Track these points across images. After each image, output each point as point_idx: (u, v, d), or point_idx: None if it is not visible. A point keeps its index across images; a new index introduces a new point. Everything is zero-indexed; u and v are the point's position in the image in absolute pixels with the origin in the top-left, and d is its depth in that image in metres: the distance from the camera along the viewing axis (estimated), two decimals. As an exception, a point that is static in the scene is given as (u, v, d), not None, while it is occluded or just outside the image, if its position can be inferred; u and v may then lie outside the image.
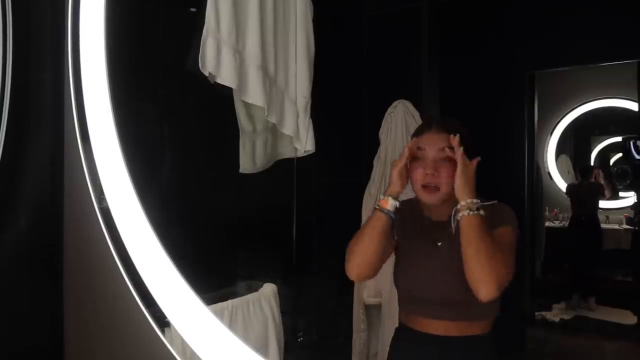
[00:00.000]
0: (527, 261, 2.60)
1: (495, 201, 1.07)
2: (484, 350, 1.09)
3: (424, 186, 1.07)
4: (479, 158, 1.06)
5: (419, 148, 1.09)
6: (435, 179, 1.05)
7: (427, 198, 1.07)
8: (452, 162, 1.05)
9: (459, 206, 1.01)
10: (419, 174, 1.07)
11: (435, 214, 1.12)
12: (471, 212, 0.99)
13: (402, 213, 1.15)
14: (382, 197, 1.09)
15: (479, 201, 1.01)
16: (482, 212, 1.00)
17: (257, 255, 1.71)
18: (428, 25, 1.96)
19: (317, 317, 1.91)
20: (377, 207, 1.08)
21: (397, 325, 1.20)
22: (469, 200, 1.00)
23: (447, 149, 1.06)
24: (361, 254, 1.09)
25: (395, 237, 1.15)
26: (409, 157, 1.10)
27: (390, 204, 1.07)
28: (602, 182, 3.29)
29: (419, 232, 1.13)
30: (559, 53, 2.32)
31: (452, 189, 1.04)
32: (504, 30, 2.28)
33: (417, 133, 1.13)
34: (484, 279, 0.96)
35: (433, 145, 1.07)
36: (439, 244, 1.09)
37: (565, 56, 2.35)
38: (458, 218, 1.01)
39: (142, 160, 1.33)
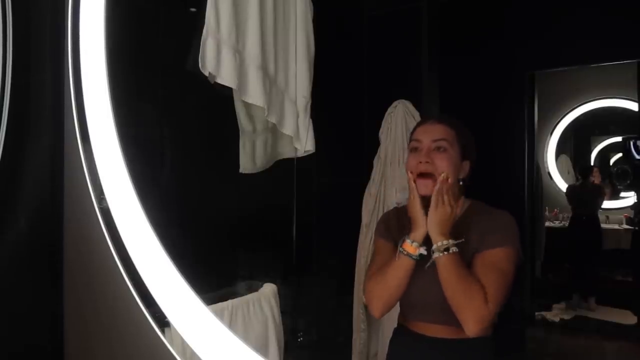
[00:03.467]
0: (527, 261, 2.60)
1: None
2: (483, 351, 1.09)
3: (420, 175, 1.06)
4: (462, 198, 1.05)
5: (415, 140, 1.10)
6: (430, 166, 1.05)
7: (422, 187, 1.05)
8: (447, 152, 1.06)
9: (433, 246, 1.01)
10: (413, 164, 1.07)
11: None
12: (443, 254, 0.99)
13: (397, 219, 1.16)
14: (407, 240, 1.04)
15: (450, 241, 1.00)
16: (454, 250, 1.00)
17: (257, 255, 1.71)
18: (428, 25, 1.96)
19: (317, 317, 1.91)
20: (404, 252, 1.04)
21: (396, 325, 1.20)
22: (439, 243, 1.00)
23: (440, 141, 1.06)
24: (387, 298, 1.08)
25: (393, 240, 1.14)
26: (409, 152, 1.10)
27: (418, 251, 1.03)
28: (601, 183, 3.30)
29: None
30: (559, 53, 2.31)
31: (451, 175, 1.04)
32: (504, 31, 2.28)
33: (415, 127, 1.14)
34: (462, 319, 0.98)
35: (428, 135, 1.08)
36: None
37: (565, 56, 2.35)
38: (433, 258, 1.01)
39: (142, 160, 1.33)
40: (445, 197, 1.02)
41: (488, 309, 0.97)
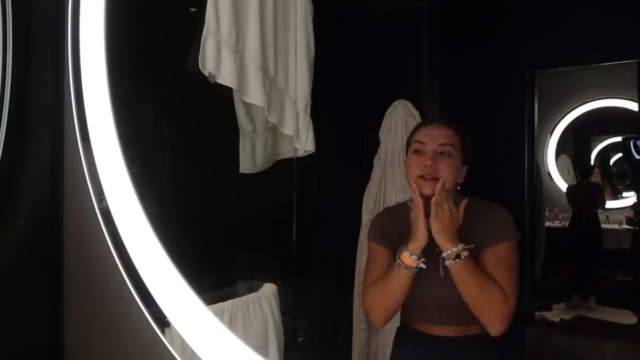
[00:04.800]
0: (527, 261, 2.60)
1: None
2: (485, 350, 1.10)
3: (421, 176, 1.05)
4: (465, 200, 1.05)
5: (418, 142, 1.09)
6: (433, 170, 1.04)
7: (426, 187, 1.04)
8: (452, 158, 1.06)
9: (443, 254, 1.01)
10: (417, 166, 1.06)
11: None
12: (455, 261, 0.99)
13: (391, 221, 1.16)
14: (406, 252, 1.02)
15: (459, 247, 0.99)
16: (465, 254, 0.99)
17: (257, 255, 1.71)
18: (428, 25, 1.96)
19: (317, 317, 1.91)
20: (403, 265, 1.02)
21: (398, 324, 1.20)
22: (449, 252, 0.99)
23: (446, 146, 1.05)
24: (388, 308, 1.07)
25: (391, 246, 1.14)
26: (411, 152, 1.09)
27: (417, 264, 1.02)
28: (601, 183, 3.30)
29: None
30: (559, 53, 2.31)
31: (451, 182, 1.05)
32: (504, 30, 2.28)
33: (417, 128, 1.13)
34: (488, 321, 1.00)
35: (433, 138, 1.07)
36: (437, 249, 1.08)
37: (565, 56, 2.35)
38: (444, 265, 1.01)
39: (142, 161, 1.33)
40: (445, 205, 1.00)
41: (510, 306, 0.99)
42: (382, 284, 1.06)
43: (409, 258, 1.02)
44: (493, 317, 0.99)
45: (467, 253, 1.00)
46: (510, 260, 1.04)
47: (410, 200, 1.11)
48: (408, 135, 1.17)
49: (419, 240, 1.02)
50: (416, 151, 1.08)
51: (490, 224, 1.06)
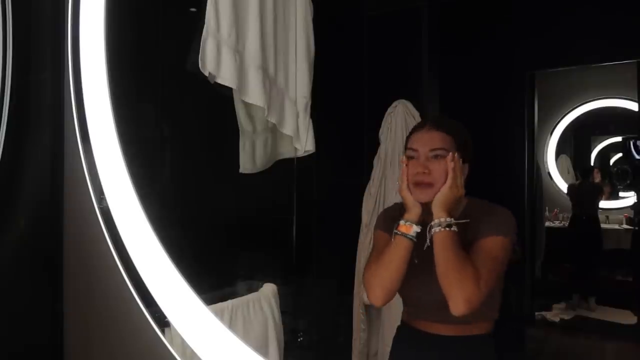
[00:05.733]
0: (527, 261, 2.60)
1: (468, 220, 1.05)
2: (485, 350, 1.10)
3: (416, 183, 1.06)
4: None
5: (411, 149, 1.09)
6: (427, 177, 1.05)
7: (420, 195, 1.05)
8: (444, 159, 1.06)
9: (432, 222, 1.01)
10: (411, 173, 1.07)
11: (426, 217, 1.13)
12: (441, 229, 1.00)
13: (398, 212, 1.16)
14: (401, 222, 1.05)
15: (451, 219, 1.00)
16: (454, 228, 1.00)
17: (257, 255, 1.71)
18: (428, 25, 1.96)
19: (317, 317, 1.91)
20: (399, 233, 1.04)
21: (398, 324, 1.20)
22: (441, 219, 1.00)
23: (437, 150, 1.06)
24: (386, 283, 1.06)
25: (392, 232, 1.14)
26: (405, 164, 1.09)
27: (413, 229, 1.03)
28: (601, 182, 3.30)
29: None
30: (559, 53, 2.32)
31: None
32: (504, 30, 2.28)
33: (410, 133, 1.14)
34: (451, 296, 0.97)
35: (424, 144, 1.07)
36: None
37: (565, 56, 2.35)
38: (431, 234, 1.02)
39: (142, 161, 1.33)
40: (459, 180, 1.03)
41: (479, 290, 0.97)
42: (381, 259, 1.07)
43: (404, 225, 1.04)
44: (459, 292, 0.97)
45: (456, 229, 1.00)
46: (496, 255, 1.02)
47: None
48: (405, 139, 1.17)
49: (412, 208, 1.04)
50: (409, 157, 1.09)
51: (488, 219, 1.06)
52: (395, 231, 1.05)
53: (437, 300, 1.05)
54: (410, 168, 1.08)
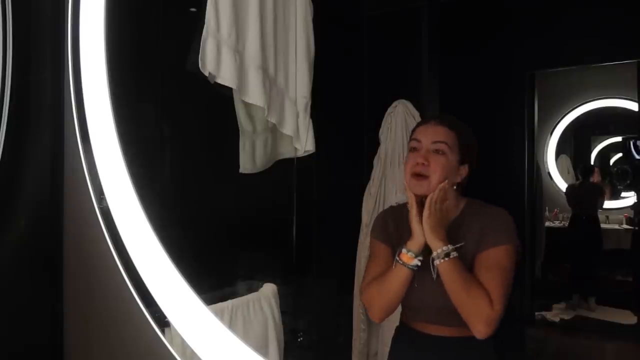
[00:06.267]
0: (527, 261, 2.60)
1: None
2: (485, 349, 1.09)
3: (414, 174, 1.06)
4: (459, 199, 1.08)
5: (415, 139, 1.10)
6: (425, 168, 1.05)
7: (416, 187, 1.06)
8: (445, 156, 1.06)
9: (433, 254, 1.02)
10: (410, 163, 1.08)
11: None
12: (444, 260, 1.00)
13: (393, 220, 1.16)
14: (404, 250, 1.04)
15: (449, 246, 1.00)
16: (454, 254, 1.00)
17: (257, 255, 1.71)
18: (428, 25, 1.96)
19: (317, 317, 1.91)
20: (400, 262, 1.05)
21: (397, 324, 1.20)
22: (439, 250, 1.00)
23: (439, 143, 1.06)
24: (386, 305, 1.09)
25: (391, 244, 1.14)
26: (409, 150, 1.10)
27: (414, 261, 1.04)
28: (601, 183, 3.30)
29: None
30: (559, 53, 2.31)
31: (440, 181, 1.05)
32: (504, 30, 2.28)
33: (417, 126, 1.14)
34: (470, 323, 1.00)
35: (427, 136, 1.08)
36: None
37: (565, 56, 2.35)
38: (435, 266, 1.02)
39: (142, 161, 1.33)
40: (437, 205, 1.03)
41: (494, 310, 0.98)
42: (381, 281, 1.08)
43: (406, 255, 1.04)
44: (475, 319, 0.99)
45: (456, 254, 1.01)
46: (503, 265, 1.03)
47: None
48: (409, 135, 1.17)
49: (417, 237, 1.03)
50: (412, 149, 1.10)
51: (489, 227, 1.06)
52: (397, 259, 1.05)
53: (436, 304, 1.05)
54: (410, 159, 1.08)
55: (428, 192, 1.05)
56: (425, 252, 1.05)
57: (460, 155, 1.09)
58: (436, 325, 1.09)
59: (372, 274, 1.12)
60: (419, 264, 1.04)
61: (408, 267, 1.04)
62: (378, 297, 1.09)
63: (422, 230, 1.03)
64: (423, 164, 1.06)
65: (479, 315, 0.98)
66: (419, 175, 1.06)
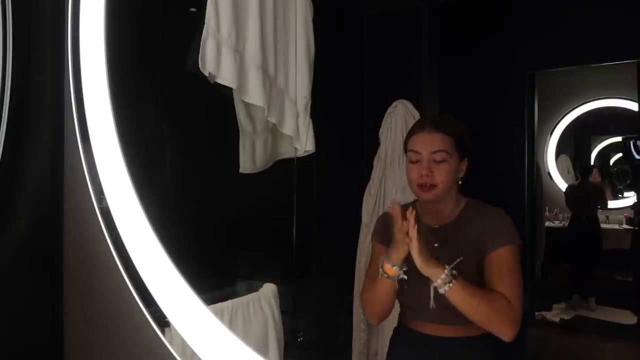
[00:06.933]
0: (527, 261, 2.60)
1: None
2: (484, 349, 1.09)
3: (420, 185, 1.08)
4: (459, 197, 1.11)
5: (413, 151, 1.11)
6: (430, 178, 1.07)
7: (424, 195, 1.08)
8: (447, 162, 1.08)
9: (435, 284, 1.00)
10: (415, 175, 1.09)
11: (431, 218, 1.13)
12: (449, 286, 0.98)
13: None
14: (387, 262, 1.04)
15: (447, 270, 0.98)
16: (456, 277, 0.99)
17: (257, 255, 1.71)
18: (428, 25, 1.96)
19: (317, 317, 1.91)
20: (384, 274, 1.05)
21: (396, 324, 1.20)
22: (440, 280, 0.98)
23: (439, 153, 1.08)
24: (379, 309, 1.12)
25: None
26: (408, 158, 1.11)
27: (397, 273, 1.03)
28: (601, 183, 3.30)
29: None
30: (559, 53, 2.32)
31: (448, 185, 1.08)
32: (504, 30, 2.28)
33: (411, 133, 1.14)
34: (499, 330, 1.01)
35: (425, 147, 1.09)
36: (436, 245, 1.09)
37: (565, 56, 2.35)
38: (440, 292, 1.00)
39: (142, 161, 1.33)
40: (420, 242, 0.99)
41: (515, 310, 1.00)
42: (374, 287, 1.10)
43: (391, 269, 1.04)
44: (502, 325, 1.00)
45: (456, 272, 1.00)
46: (512, 264, 1.04)
47: (413, 202, 1.15)
48: (405, 139, 1.18)
49: (399, 252, 1.02)
50: (413, 161, 1.11)
51: (491, 228, 1.07)
52: (382, 271, 1.05)
53: (435, 302, 1.05)
54: (414, 171, 1.09)
55: (438, 197, 1.08)
56: (431, 237, 1.07)
57: (460, 155, 1.10)
58: (434, 325, 1.10)
59: (370, 277, 1.14)
60: (405, 277, 1.04)
61: (393, 279, 1.05)
62: (372, 302, 1.12)
63: (405, 245, 1.00)
64: (427, 175, 1.07)
65: (504, 320, 1.00)
66: (425, 186, 1.08)
